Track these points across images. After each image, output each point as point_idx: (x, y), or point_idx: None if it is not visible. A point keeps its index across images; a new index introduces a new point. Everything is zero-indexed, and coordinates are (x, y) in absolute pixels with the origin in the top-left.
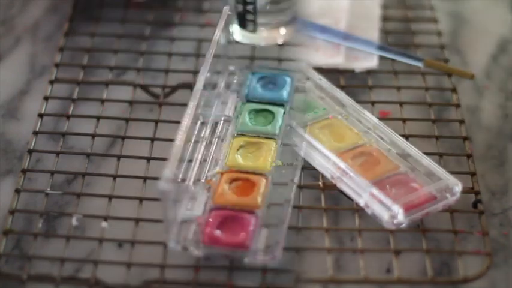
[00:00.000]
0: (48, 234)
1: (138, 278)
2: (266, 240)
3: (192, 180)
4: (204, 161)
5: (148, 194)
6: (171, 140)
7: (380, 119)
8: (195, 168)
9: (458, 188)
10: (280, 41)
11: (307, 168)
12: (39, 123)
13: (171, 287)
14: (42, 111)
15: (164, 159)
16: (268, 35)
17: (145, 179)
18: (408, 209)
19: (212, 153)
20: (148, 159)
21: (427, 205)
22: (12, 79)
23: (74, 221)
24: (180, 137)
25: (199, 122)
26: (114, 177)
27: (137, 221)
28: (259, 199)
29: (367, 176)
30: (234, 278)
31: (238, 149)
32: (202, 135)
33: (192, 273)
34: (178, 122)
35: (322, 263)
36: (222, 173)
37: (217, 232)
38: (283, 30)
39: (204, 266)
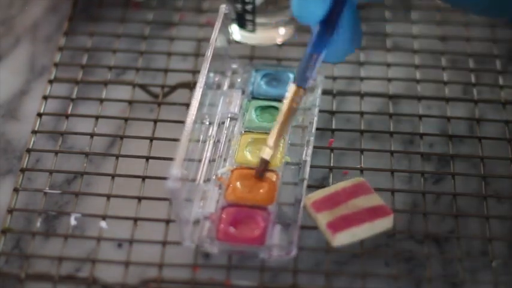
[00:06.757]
0: (47, 233)
1: (136, 276)
2: (280, 236)
3: (202, 178)
4: (213, 159)
5: (147, 193)
6: (170, 140)
7: None
8: (205, 167)
9: None
10: (279, 41)
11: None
12: (38, 123)
13: (169, 286)
14: (41, 111)
15: (163, 158)
16: (267, 35)
17: (143, 178)
18: None
19: (221, 151)
20: (147, 158)
21: None
22: (12, 79)
23: (72, 220)
24: (185, 134)
25: (206, 122)
26: (113, 176)
27: (135, 220)
28: (271, 195)
29: None
30: (232, 277)
31: (246, 146)
32: (209, 134)
33: (190, 272)
34: (177, 122)
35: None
36: (232, 170)
37: (231, 229)
38: (282, 30)
39: (202, 265)
